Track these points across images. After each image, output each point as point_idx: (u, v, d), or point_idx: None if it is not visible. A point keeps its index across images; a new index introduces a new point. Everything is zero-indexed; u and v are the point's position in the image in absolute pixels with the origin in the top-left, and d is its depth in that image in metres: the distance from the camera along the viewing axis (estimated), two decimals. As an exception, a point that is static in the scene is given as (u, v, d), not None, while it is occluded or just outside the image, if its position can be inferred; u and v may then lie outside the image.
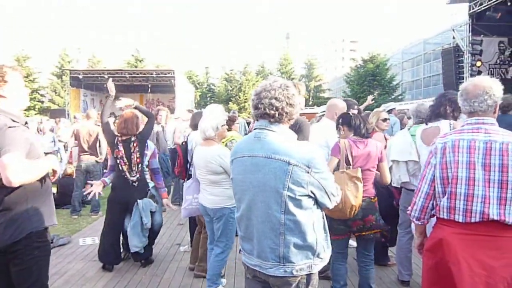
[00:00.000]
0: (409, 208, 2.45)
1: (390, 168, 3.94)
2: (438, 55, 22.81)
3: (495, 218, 2.09)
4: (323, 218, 2.07)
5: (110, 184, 4.57)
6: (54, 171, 2.59)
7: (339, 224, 3.28)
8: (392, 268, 4.45)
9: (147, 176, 4.70)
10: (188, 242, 5.20)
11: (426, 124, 3.72)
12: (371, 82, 31.11)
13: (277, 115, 1.94)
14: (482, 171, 2.13)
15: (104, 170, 6.32)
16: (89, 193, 4.31)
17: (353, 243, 4.19)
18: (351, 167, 3.24)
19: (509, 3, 11.03)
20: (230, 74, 38.77)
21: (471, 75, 12.10)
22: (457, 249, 2.16)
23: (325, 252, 2.03)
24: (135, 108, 4.71)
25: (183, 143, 4.81)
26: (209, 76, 42.84)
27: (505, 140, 2.12)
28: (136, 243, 4.44)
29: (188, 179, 4.29)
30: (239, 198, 2.09)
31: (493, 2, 11.47)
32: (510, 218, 2.09)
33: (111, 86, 4.56)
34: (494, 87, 2.23)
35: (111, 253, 4.52)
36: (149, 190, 4.63)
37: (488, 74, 12.49)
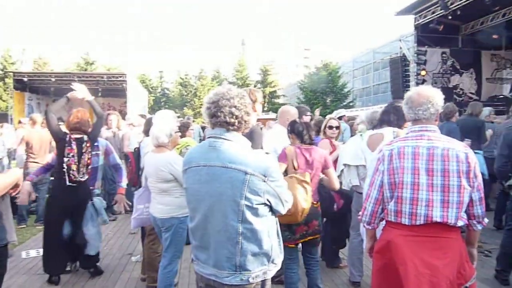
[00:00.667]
0: (360, 213, 2.53)
1: (342, 172, 4.07)
2: (386, 64, 23.73)
3: (438, 220, 2.20)
4: (276, 224, 2.09)
5: (51, 188, 4.39)
6: (17, 185, 2.37)
7: (284, 230, 3.31)
8: (343, 270, 4.56)
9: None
10: (140, 252, 5.06)
11: (373, 130, 3.87)
12: (324, 89, 31.90)
13: (237, 123, 1.96)
14: (426, 176, 2.23)
15: (51, 178, 6.02)
16: (34, 201, 4.08)
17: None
18: (298, 171, 3.30)
19: (450, 17, 11.71)
20: (185, 78, 38.33)
21: (417, 84, 12.69)
22: (404, 250, 2.25)
23: (279, 257, 2.06)
24: (88, 102, 4.40)
25: (136, 149, 4.69)
26: (163, 81, 42.08)
27: (445, 146, 2.25)
28: (99, 243, 4.42)
29: (139, 186, 4.18)
30: (194, 208, 2.05)
31: (436, 15, 12.14)
32: (452, 220, 2.20)
33: (75, 94, 4.27)
34: (436, 97, 2.36)
35: (58, 261, 4.25)
36: (94, 190, 4.50)
37: (432, 82, 13.16)
